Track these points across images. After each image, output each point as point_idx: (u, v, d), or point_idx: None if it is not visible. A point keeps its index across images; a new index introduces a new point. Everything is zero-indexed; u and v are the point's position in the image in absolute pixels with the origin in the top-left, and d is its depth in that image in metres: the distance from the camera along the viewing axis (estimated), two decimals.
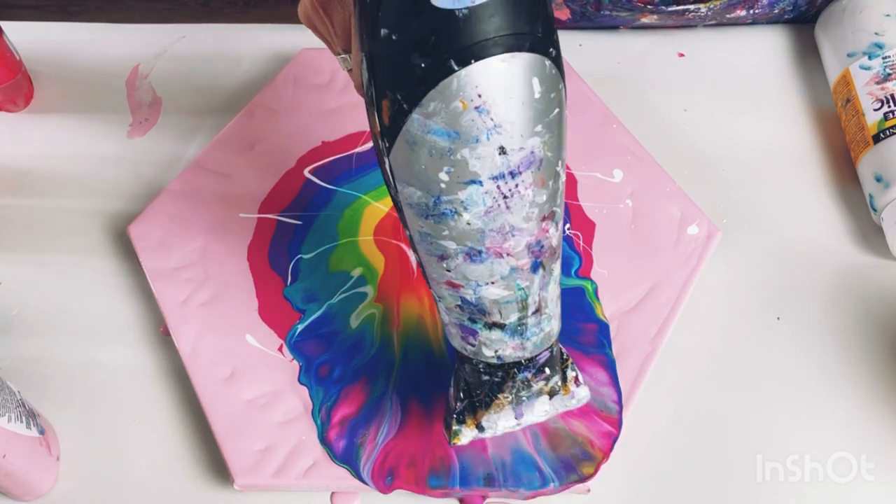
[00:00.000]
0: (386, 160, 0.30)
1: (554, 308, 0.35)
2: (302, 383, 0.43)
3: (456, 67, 0.27)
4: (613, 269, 0.46)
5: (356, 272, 0.47)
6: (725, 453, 0.42)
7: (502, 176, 0.29)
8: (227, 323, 0.45)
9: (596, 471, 0.40)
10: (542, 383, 0.36)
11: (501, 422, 0.36)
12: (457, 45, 0.27)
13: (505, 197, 0.30)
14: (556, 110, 0.29)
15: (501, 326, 0.34)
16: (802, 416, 0.43)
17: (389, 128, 0.29)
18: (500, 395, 0.36)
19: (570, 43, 0.56)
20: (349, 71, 0.37)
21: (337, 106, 0.53)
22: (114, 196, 0.51)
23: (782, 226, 0.49)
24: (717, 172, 0.52)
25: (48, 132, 0.55)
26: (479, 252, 0.31)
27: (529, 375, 0.36)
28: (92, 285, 0.48)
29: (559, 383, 0.37)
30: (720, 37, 0.57)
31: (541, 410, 0.37)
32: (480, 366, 0.35)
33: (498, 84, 0.27)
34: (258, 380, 0.43)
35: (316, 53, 0.55)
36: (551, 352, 0.36)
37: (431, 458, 0.41)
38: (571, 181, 0.49)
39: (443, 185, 0.29)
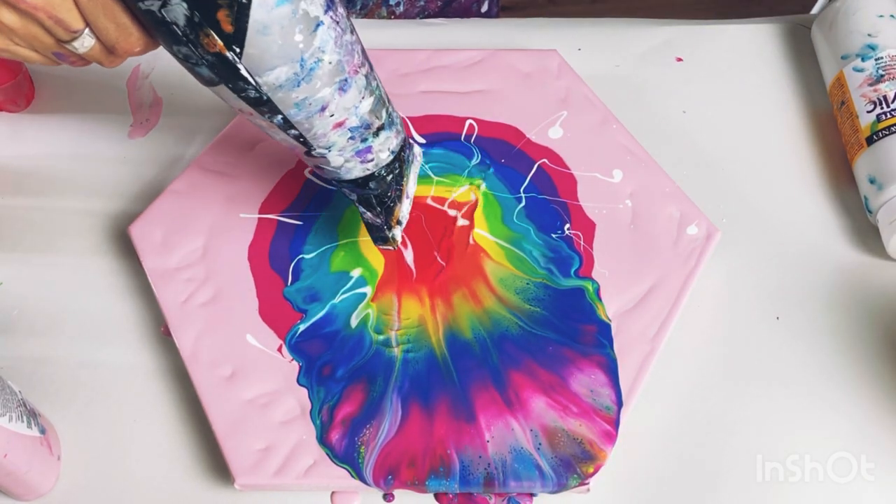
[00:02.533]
0: (240, 66, 0.32)
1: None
2: (301, 384, 0.43)
3: None
4: (613, 269, 0.46)
5: (356, 272, 0.47)
6: (725, 453, 0.42)
7: (328, 7, 0.33)
8: (227, 323, 0.45)
9: (596, 471, 0.40)
10: (409, 153, 0.42)
11: (405, 208, 0.42)
12: None
13: (337, 22, 0.34)
14: None
15: (382, 127, 0.39)
16: (802, 416, 0.43)
17: (235, 32, 0.31)
18: (403, 181, 0.42)
19: (570, 46, 0.56)
20: (83, 53, 0.36)
21: None
22: (115, 196, 0.51)
23: (781, 226, 0.49)
24: (717, 173, 0.52)
25: (49, 132, 0.55)
26: (346, 80, 0.35)
27: (408, 151, 0.42)
28: (93, 285, 0.48)
29: (409, 147, 0.42)
30: (719, 38, 0.58)
31: (413, 179, 0.42)
32: (383, 171, 0.40)
33: None
34: (259, 379, 0.43)
35: None
36: None
37: (432, 458, 0.41)
38: (571, 181, 0.49)
39: (301, 45, 0.33)
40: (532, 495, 0.41)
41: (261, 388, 0.43)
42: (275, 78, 0.33)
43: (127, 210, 0.51)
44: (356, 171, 0.40)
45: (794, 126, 0.54)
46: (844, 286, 0.47)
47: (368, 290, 0.46)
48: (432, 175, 0.50)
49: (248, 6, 0.31)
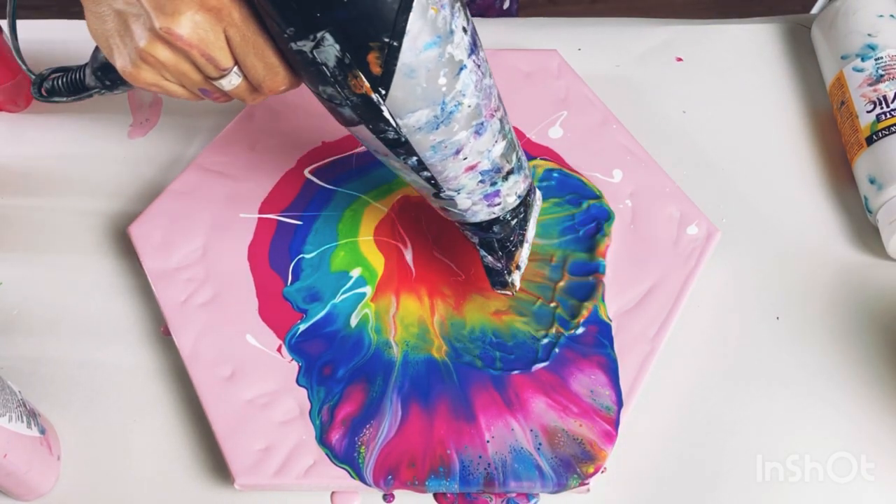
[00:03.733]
0: (383, 108, 0.32)
1: None
2: (301, 384, 0.43)
3: None
4: (613, 269, 0.46)
5: (355, 272, 0.47)
6: (725, 453, 0.42)
7: (472, 50, 0.33)
8: (227, 323, 0.45)
9: (596, 471, 0.40)
10: (534, 198, 0.42)
11: (524, 254, 0.42)
12: None
13: (478, 66, 0.34)
14: None
15: (511, 171, 0.39)
16: (802, 416, 0.43)
17: (383, 75, 0.31)
18: (527, 226, 0.42)
19: (570, 46, 0.56)
20: (229, 90, 0.36)
21: None
22: (114, 196, 0.51)
23: (781, 226, 0.49)
24: (717, 173, 0.52)
25: (49, 132, 0.55)
26: (482, 123, 0.35)
27: (533, 196, 0.42)
28: (92, 285, 0.48)
29: (533, 192, 0.42)
30: (719, 38, 0.58)
31: (533, 224, 0.42)
32: (508, 215, 0.40)
33: None
34: (259, 379, 0.43)
35: None
36: None
37: (432, 458, 0.41)
38: None
39: (444, 89, 0.33)
40: (529, 497, 0.41)
41: (261, 388, 0.43)
42: (415, 120, 0.33)
43: (127, 210, 0.51)
44: (482, 214, 0.40)
45: (794, 126, 0.54)
46: (844, 286, 0.47)
47: (368, 289, 0.46)
48: None
49: (398, 49, 0.31)
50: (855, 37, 0.51)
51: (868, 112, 0.49)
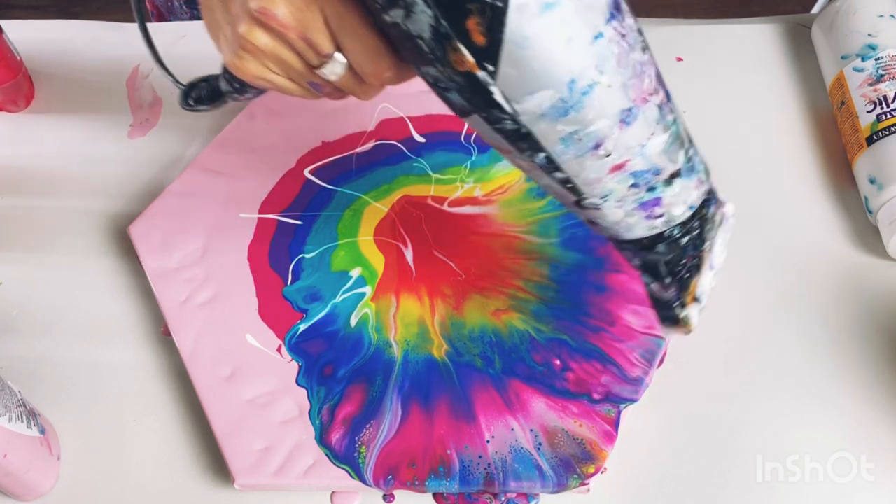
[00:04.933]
0: (494, 89, 0.27)
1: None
2: (300, 385, 0.43)
3: None
4: None
5: (355, 272, 0.47)
6: (725, 453, 0.42)
7: (613, 16, 0.27)
8: (227, 323, 0.45)
9: (596, 471, 0.40)
10: (715, 211, 0.34)
11: (706, 281, 0.34)
12: None
13: (622, 35, 0.27)
14: None
15: (677, 173, 0.31)
16: (802, 416, 0.43)
17: (488, 45, 0.26)
18: (703, 246, 0.33)
19: None
20: (335, 80, 0.33)
21: (337, 106, 0.53)
22: (114, 196, 0.51)
23: (781, 226, 0.49)
24: (717, 173, 0.51)
25: (48, 132, 0.55)
26: (630, 109, 0.28)
27: (713, 208, 0.34)
28: (92, 285, 0.48)
29: (717, 204, 0.34)
30: (719, 38, 0.58)
31: (721, 247, 0.34)
32: (676, 231, 0.33)
33: None
34: (258, 379, 0.43)
35: None
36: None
37: (431, 459, 0.41)
38: None
39: (572, 62, 0.26)
40: (529, 497, 0.41)
41: (260, 388, 0.43)
42: (536, 105, 0.27)
43: (127, 210, 0.51)
44: (639, 228, 0.32)
45: (794, 126, 0.54)
46: (844, 286, 0.47)
47: (368, 289, 0.46)
48: (431, 174, 0.50)
49: (503, 11, 0.25)
50: (855, 37, 0.51)
51: (868, 112, 0.48)
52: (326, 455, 0.41)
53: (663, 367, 0.44)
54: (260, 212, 0.49)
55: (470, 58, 0.26)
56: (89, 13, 1.04)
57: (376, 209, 0.49)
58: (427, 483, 0.40)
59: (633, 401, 0.42)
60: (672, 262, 0.33)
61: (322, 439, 0.41)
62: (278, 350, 0.44)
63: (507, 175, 0.50)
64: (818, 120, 0.54)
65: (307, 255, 0.47)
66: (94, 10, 1.05)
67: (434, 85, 0.29)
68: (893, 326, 0.45)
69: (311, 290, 0.46)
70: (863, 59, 0.50)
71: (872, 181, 0.47)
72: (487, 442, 0.41)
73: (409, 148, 0.51)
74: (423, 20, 0.26)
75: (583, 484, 0.40)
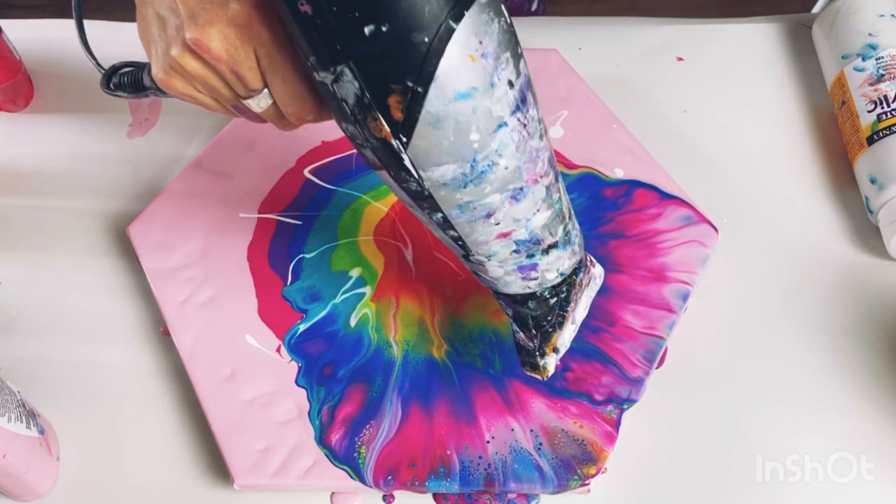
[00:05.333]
0: (405, 157, 0.30)
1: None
2: (300, 385, 0.43)
3: (455, 25, 0.27)
4: None
5: (355, 272, 0.47)
6: (725, 453, 0.42)
7: (517, 108, 0.30)
8: (227, 323, 0.45)
9: (597, 472, 0.40)
10: (584, 276, 0.38)
11: (566, 335, 0.38)
12: (450, 4, 0.27)
13: (524, 125, 0.30)
14: (513, 29, 0.30)
15: (555, 245, 0.35)
16: (802, 416, 0.43)
17: (404, 121, 0.28)
18: (568, 307, 0.37)
19: (570, 46, 0.56)
20: (258, 112, 0.34)
21: None
22: (114, 196, 0.51)
23: (782, 226, 0.49)
24: (717, 173, 0.52)
25: (48, 132, 0.54)
26: (521, 189, 0.32)
27: (582, 274, 0.38)
28: (92, 285, 0.48)
29: (585, 270, 0.38)
30: (719, 38, 0.58)
31: (584, 305, 0.38)
32: (546, 292, 0.36)
33: (486, 26, 0.28)
34: (258, 380, 0.43)
35: None
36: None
37: (432, 459, 0.41)
38: None
39: (475, 145, 0.30)
40: (530, 498, 0.41)
41: (260, 389, 0.43)
42: (440, 175, 0.30)
43: (126, 210, 0.51)
44: (515, 286, 0.36)
45: (794, 126, 0.54)
46: (845, 286, 0.47)
47: (367, 290, 0.46)
48: None
49: (423, 96, 0.28)
50: (856, 36, 0.51)
51: (869, 112, 0.48)
52: (326, 455, 0.41)
53: (663, 368, 0.44)
54: (259, 212, 0.49)
55: (387, 128, 0.29)
56: (89, 13, 1.04)
57: (376, 209, 0.49)
58: (427, 483, 0.40)
59: (633, 401, 0.42)
60: (539, 317, 0.37)
61: (322, 440, 0.41)
62: (278, 350, 0.44)
63: None
64: (819, 120, 0.54)
65: (307, 256, 0.47)
66: (93, 10, 1.05)
67: (351, 139, 0.32)
68: (893, 326, 0.45)
69: (311, 291, 0.46)
70: (863, 59, 0.50)
71: (873, 181, 0.47)
72: (487, 442, 0.41)
73: None
74: (349, 88, 0.28)
75: (583, 485, 0.40)
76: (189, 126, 0.54)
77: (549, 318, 0.37)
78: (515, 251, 0.34)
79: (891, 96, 0.48)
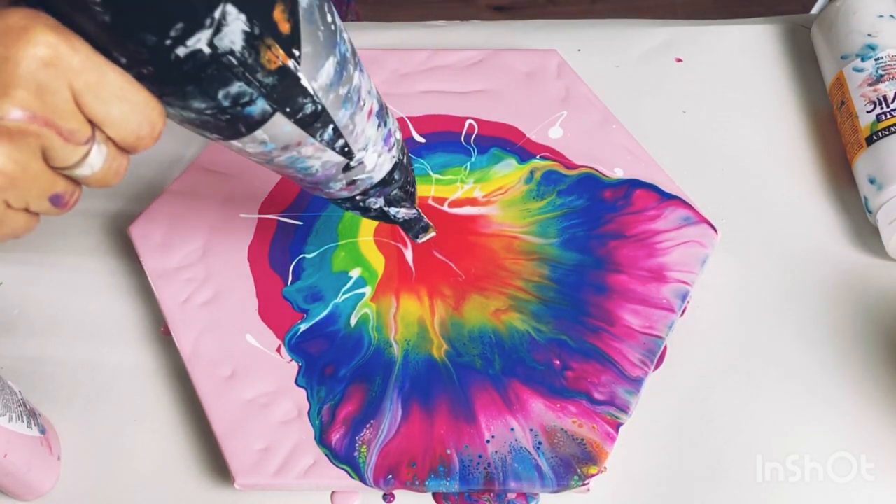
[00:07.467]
0: (301, 75, 0.28)
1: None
2: (300, 385, 0.43)
3: None
4: None
5: (355, 273, 0.47)
6: (725, 453, 0.42)
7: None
8: (227, 323, 0.45)
9: (598, 472, 0.40)
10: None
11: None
12: None
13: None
14: None
15: (384, 105, 0.36)
16: (802, 416, 0.43)
17: (292, 31, 0.27)
18: (407, 154, 0.39)
19: (570, 46, 0.56)
20: (93, 172, 0.29)
21: None
22: (114, 196, 0.51)
23: (781, 226, 0.49)
24: (717, 173, 0.52)
25: None
26: (357, 58, 0.33)
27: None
28: (92, 285, 0.48)
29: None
30: (719, 38, 0.58)
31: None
32: (400, 154, 0.38)
33: None
34: (259, 379, 0.43)
35: None
36: None
37: (432, 458, 0.41)
38: None
39: (332, 26, 0.30)
40: (529, 497, 0.41)
41: (261, 388, 0.43)
42: (326, 76, 0.30)
43: (127, 210, 0.51)
44: (386, 164, 0.36)
45: (794, 126, 0.54)
46: (844, 286, 0.47)
47: (367, 290, 0.46)
48: (432, 174, 0.50)
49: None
50: (855, 37, 0.51)
51: (868, 112, 0.49)
52: (326, 455, 0.41)
53: (663, 367, 0.44)
54: (260, 212, 0.49)
55: (281, 50, 0.27)
56: None
57: None
58: (427, 483, 0.40)
59: (627, 414, 0.42)
60: (405, 182, 0.38)
61: (322, 439, 0.41)
62: (278, 350, 0.44)
63: (506, 176, 0.50)
64: (818, 120, 0.54)
65: (307, 256, 0.47)
66: None
67: (220, 113, 0.28)
68: (893, 326, 0.45)
69: (312, 291, 0.46)
70: (863, 60, 0.50)
71: (872, 181, 0.47)
72: (487, 442, 0.41)
73: (409, 148, 0.51)
74: (234, 30, 0.26)
75: (583, 484, 0.40)
76: None
77: (408, 177, 0.38)
78: (378, 125, 0.35)
79: (890, 97, 0.48)
